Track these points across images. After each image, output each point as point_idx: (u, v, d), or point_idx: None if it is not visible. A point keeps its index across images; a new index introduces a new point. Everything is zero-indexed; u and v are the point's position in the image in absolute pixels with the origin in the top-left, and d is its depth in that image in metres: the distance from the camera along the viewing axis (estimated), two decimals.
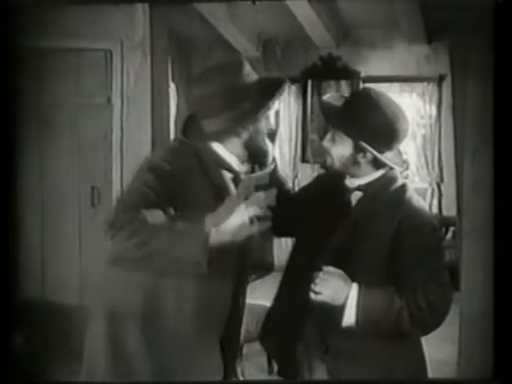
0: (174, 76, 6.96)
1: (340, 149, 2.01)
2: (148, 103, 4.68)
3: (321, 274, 1.90)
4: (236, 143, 1.95)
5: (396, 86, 7.34)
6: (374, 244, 1.96)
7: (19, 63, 2.33)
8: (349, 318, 1.90)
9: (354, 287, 1.90)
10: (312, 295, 1.91)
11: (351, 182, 2.06)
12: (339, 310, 1.91)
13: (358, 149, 1.99)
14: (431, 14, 6.22)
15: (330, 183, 2.11)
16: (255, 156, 1.98)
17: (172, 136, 6.53)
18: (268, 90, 1.95)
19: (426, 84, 7.21)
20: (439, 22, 6.46)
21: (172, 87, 6.92)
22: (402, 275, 1.94)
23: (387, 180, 2.06)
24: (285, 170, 7.68)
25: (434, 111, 7.22)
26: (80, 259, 4.73)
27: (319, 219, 2.07)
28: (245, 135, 1.94)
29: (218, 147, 1.96)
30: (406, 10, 6.06)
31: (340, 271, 1.92)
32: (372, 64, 7.34)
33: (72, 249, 4.73)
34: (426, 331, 2.00)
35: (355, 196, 2.04)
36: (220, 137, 1.94)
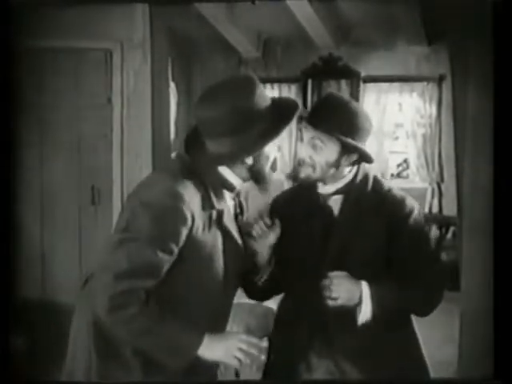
0: (173, 76, 6.97)
1: (325, 155, 1.99)
2: (148, 103, 4.68)
3: (334, 280, 1.92)
4: (240, 166, 1.89)
5: (396, 85, 7.35)
6: (370, 242, 2.00)
7: (19, 63, 2.33)
8: (365, 314, 1.94)
9: (365, 285, 1.94)
10: (330, 302, 1.92)
11: (326, 189, 2.05)
12: (352, 310, 1.94)
13: (344, 150, 1.99)
14: (431, 14, 6.22)
15: (304, 200, 2.10)
16: (256, 179, 1.93)
17: (172, 136, 6.54)
18: (279, 117, 1.86)
19: (425, 84, 7.21)
20: (439, 22, 6.46)
21: (172, 87, 6.92)
22: (402, 263, 2.00)
23: (362, 176, 2.07)
24: (284, 170, 7.69)
25: (434, 111, 7.22)
26: (80, 259, 4.73)
27: (308, 237, 2.05)
28: (249, 160, 1.87)
29: (222, 169, 1.89)
30: (405, 11, 6.06)
31: (345, 273, 1.94)
32: (372, 64, 7.34)
33: (72, 249, 4.73)
34: (430, 311, 2.06)
35: (335, 201, 2.05)
36: (224, 160, 1.86)
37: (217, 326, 1.89)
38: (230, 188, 1.91)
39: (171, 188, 1.77)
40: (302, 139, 2.03)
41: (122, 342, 1.83)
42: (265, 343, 1.83)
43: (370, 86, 7.43)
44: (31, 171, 4.62)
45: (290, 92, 7.68)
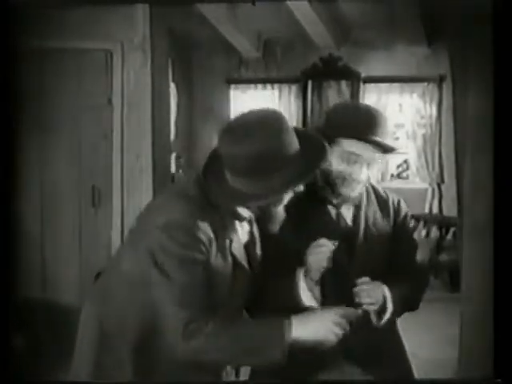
0: (174, 76, 6.97)
1: (374, 170, 2.02)
2: (148, 103, 4.69)
3: (369, 286, 1.94)
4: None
5: (396, 86, 7.35)
6: (380, 246, 2.06)
7: (19, 63, 2.33)
8: (387, 316, 1.96)
9: (385, 288, 1.96)
10: (370, 307, 1.93)
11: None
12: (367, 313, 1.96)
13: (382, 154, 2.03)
14: (431, 15, 6.22)
15: (317, 209, 2.08)
16: (264, 218, 1.87)
17: (172, 137, 6.54)
18: (306, 162, 1.74)
19: (426, 84, 7.21)
20: (439, 22, 6.47)
21: (172, 87, 6.92)
22: (402, 264, 2.07)
23: (367, 185, 2.12)
24: None
25: (434, 111, 7.23)
26: (80, 259, 4.73)
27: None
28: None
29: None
30: (405, 11, 6.06)
31: (368, 278, 1.96)
32: (372, 64, 7.34)
33: (72, 249, 4.73)
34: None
35: (346, 209, 2.06)
36: (246, 201, 1.78)
37: None
38: (240, 218, 1.87)
39: (188, 215, 1.74)
40: (356, 161, 1.98)
41: (120, 341, 1.82)
42: (360, 311, 1.81)
43: (371, 86, 7.44)
44: (31, 171, 4.62)
45: (290, 92, 7.68)
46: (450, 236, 6.91)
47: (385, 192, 2.14)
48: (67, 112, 4.70)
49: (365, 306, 1.92)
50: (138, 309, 1.83)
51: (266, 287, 1.96)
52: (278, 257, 1.96)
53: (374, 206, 2.09)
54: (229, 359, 1.79)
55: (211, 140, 8.04)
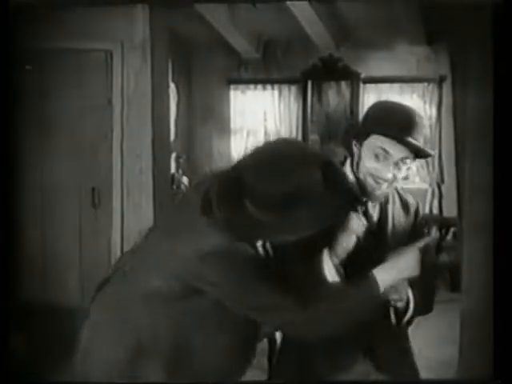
0: (174, 76, 6.97)
1: (405, 169, 2.01)
2: (148, 104, 4.69)
3: (400, 282, 1.91)
4: None
5: (396, 86, 7.35)
6: (400, 242, 2.05)
7: (19, 64, 2.33)
8: (407, 317, 1.98)
9: (409, 288, 1.96)
10: (398, 304, 1.95)
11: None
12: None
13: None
14: (431, 15, 6.22)
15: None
16: None
17: (172, 137, 6.54)
18: (333, 199, 1.71)
19: (426, 85, 7.21)
20: (439, 22, 6.47)
21: (172, 87, 6.93)
22: None
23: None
24: None
25: (434, 112, 7.23)
26: (80, 259, 4.74)
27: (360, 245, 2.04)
28: None
29: None
30: (406, 11, 6.06)
31: None
32: (372, 65, 7.34)
33: (72, 249, 4.73)
34: None
35: (373, 206, 2.09)
36: (268, 231, 1.75)
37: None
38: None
39: (228, 241, 1.73)
40: (384, 159, 1.97)
41: (154, 354, 1.79)
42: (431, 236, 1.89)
43: (371, 86, 7.44)
44: (31, 172, 4.63)
45: (290, 93, 7.68)
46: (450, 236, 6.91)
47: (405, 193, 2.15)
48: (67, 112, 4.70)
49: (392, 302, 1.93)
50: (173, 324, 1.79)
51: (291, 264, 1.94)
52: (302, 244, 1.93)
53: (398, 206, 2.10)
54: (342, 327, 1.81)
55: (211, 140, 8.05)
